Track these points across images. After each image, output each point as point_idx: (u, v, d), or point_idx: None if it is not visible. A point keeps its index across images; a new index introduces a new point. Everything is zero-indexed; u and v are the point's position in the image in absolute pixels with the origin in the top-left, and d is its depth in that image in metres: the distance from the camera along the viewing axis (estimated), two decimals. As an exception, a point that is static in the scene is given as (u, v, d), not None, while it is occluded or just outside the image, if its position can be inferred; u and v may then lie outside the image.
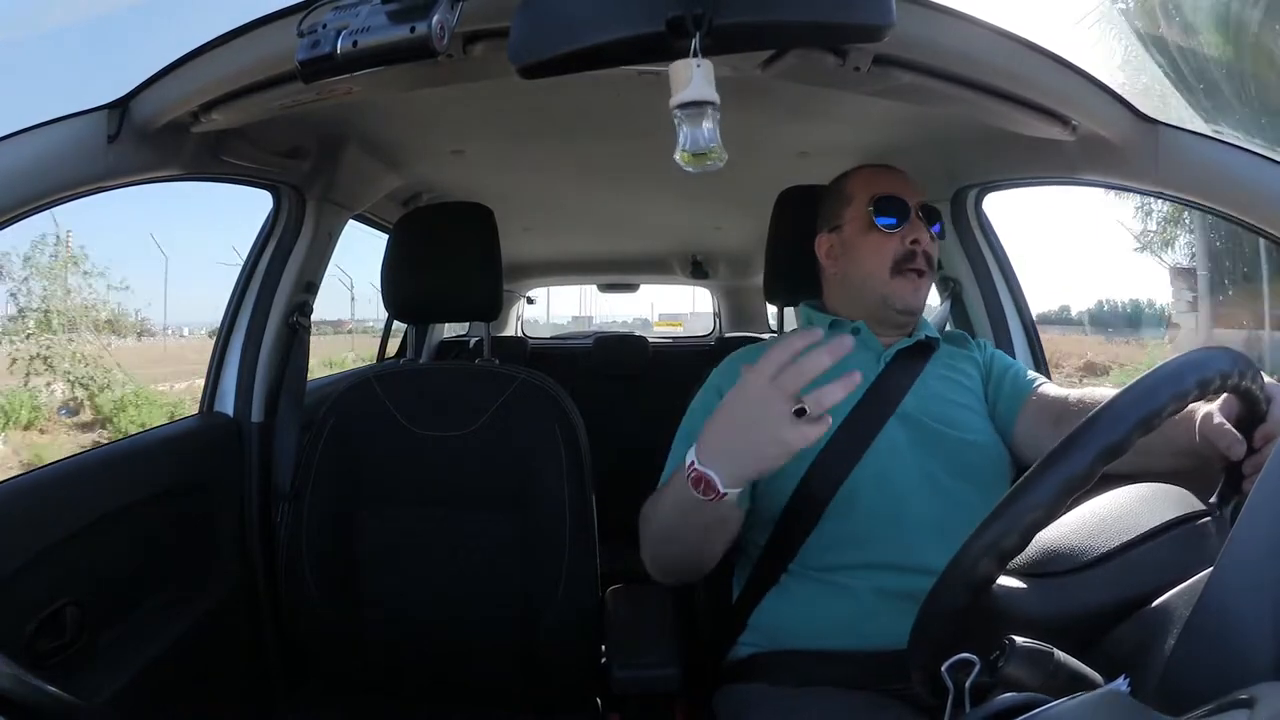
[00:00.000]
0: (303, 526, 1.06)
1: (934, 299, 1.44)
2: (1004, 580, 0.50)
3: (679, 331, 5.67)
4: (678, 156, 0.59)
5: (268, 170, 1.17)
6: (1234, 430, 0.58)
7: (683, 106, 0.57)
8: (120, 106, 0.84)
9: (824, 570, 0.84)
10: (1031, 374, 0.95)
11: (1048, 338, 1.80)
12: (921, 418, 0.88)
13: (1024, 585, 0.50)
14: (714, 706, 0.89)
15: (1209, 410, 0.62)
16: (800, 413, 0.60)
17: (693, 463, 0.64)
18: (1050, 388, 0.90)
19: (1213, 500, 0.55)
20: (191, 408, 1.43)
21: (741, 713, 0.83)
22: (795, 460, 0.85)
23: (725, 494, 0.63)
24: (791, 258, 1.07)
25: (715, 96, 0.57)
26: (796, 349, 0.61)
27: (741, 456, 0.63)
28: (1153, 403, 0.46)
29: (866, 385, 0.89)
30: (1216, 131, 0.89)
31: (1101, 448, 0.46)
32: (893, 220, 0.91)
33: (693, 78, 0.56)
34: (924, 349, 0.95)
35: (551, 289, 3.99)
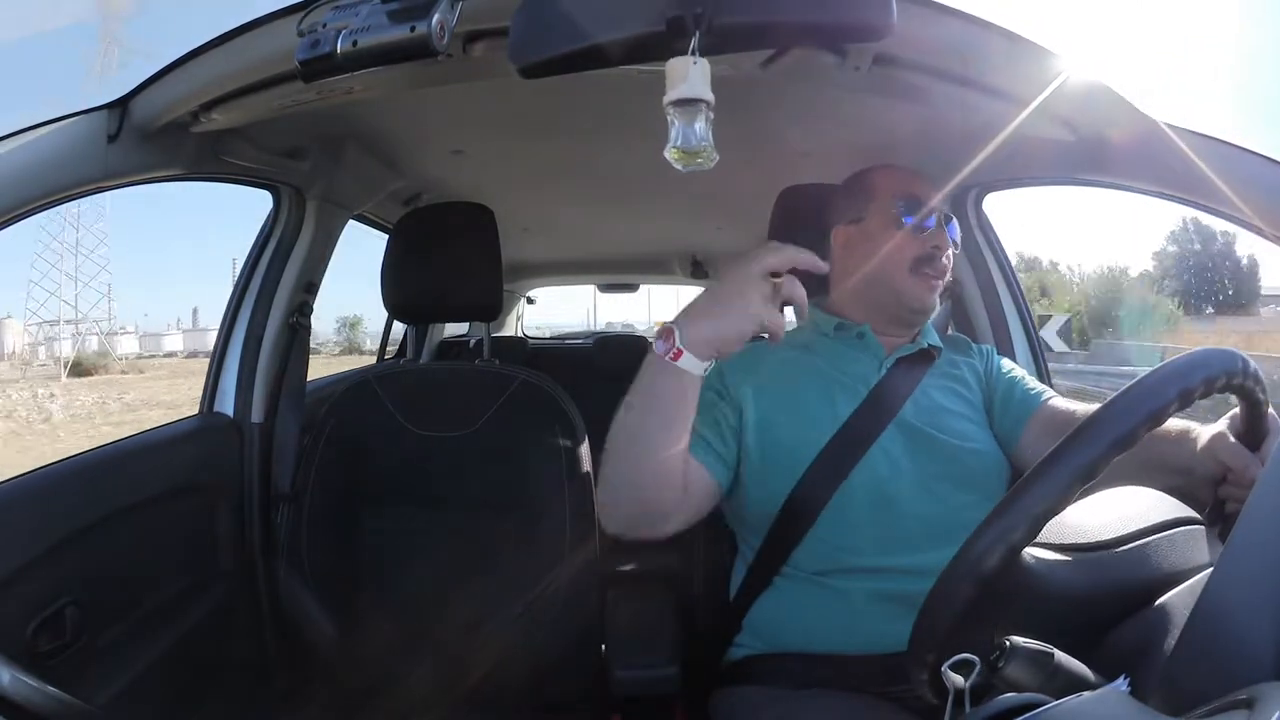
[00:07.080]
0: (303, 526, 1.06)
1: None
2: (1040, 553, 0.50)
3: None
4: (668, 153, 0.59)
5: (268, 170, 1.17)
6: (1245, 449, 0.61)
7: (676, 104, 0.57)
8: (120, 106, 0.84)
9: (818, 574, 0.83)
10: (1039, 386, 0.95)
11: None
12: (920, 425, 0.87)
13: (1063, 559, 0.50)
14: (710, 709, 0.89)
15: (1219, 430, 0.65)
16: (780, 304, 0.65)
17: (664, 322, 0.69)
18: (1059, 401, 0.90)
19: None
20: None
21: (738, 715, 0.83)
22: (792, 462, 0.86)
23: (683, 351, 0.67)
24: None
25: (709, 95, 0.57)
26: (791, 259, 0.67)
27: (712, 322, 0.67)
28: (1161, 397, 0.47)
29: (866, 391, 0.89)
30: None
31: (1113, 438, 0.46)
32: (918, 220, 0.91)
33: (688, 75, 0.56)
34: (925, 356, 0.94)
35: (559, 297, 3.98)
